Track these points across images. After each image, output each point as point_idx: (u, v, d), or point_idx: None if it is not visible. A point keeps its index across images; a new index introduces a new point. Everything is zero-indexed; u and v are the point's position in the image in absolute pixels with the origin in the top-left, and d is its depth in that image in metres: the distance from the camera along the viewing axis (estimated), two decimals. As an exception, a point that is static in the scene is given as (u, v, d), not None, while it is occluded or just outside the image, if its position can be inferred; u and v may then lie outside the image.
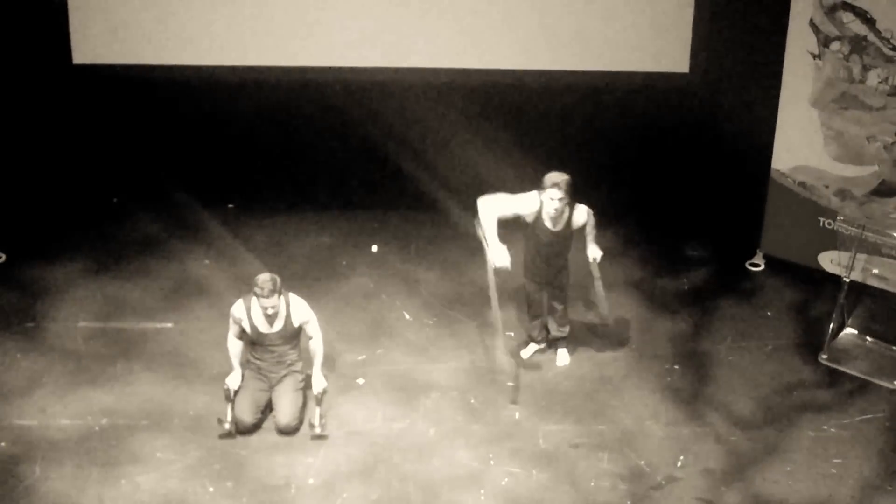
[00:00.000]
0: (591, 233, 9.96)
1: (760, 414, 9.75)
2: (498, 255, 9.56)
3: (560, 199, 9.50)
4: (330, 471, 9.16)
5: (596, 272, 10.11)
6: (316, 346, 9.57)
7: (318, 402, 9.47)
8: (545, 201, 9.56)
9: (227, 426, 9.36)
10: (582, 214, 9.79)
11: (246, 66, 11.95)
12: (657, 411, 9.72)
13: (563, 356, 10.24)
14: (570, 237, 9.83)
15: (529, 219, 9.70)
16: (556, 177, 9.52)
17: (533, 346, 10.29)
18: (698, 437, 9.52)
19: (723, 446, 9.43)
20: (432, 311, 10.81)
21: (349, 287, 11.11)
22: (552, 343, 10.29)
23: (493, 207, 9.61)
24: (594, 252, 10.03)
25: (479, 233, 9.76)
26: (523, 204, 9.65)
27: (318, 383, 9.51)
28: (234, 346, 9.57)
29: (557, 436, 9.51)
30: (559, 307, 10.11)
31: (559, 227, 9.70)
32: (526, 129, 12.27)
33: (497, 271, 9.72)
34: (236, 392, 9.50)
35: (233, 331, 9.53)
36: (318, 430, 9.40)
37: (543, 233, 9.73)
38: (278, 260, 11.29)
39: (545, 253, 9.83)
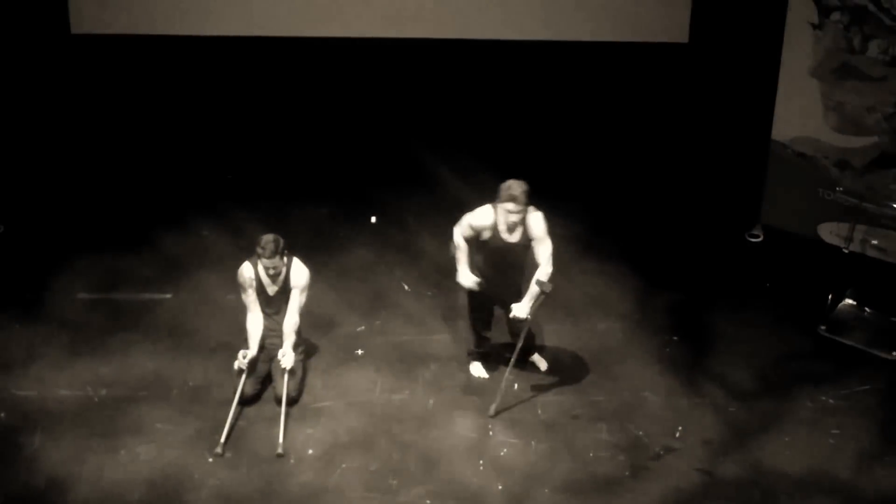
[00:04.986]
0: (542, 248, 9.24)
1: (759, 385, 9.76)
2: (463, 275, 9.39)
3: (517, 213, 9.05)
4: (329, 441, 9.17)
5: (535, 297, 9.29)
6: (290, 320, 9.35)
7: (292, 375, 9.38)
8: (501, 213, 9.11)
9: (218, 450, 9.07)
10: (538, 222, 9.19)
11: (245, 36, 11.92)
12: (656, 382, 9.73)
13: (540, 362, 9.85)
14: (526, 247, 9.24)
15: (486, 234, 9.22)
16: (514, 188, 9.03)
17: (479, 366, 9.82)
18: (697, 407, 9.53)
19: (721, 417, 9.44)
20: (431, 282, 10.81)
21: (348, 258, 11.10)
22: (524, 355, 9.65)
23: (458, 231, 9.29)
24: (544, 274, 9.24)
25: (453, 254, 9.47)
26: (478, 219, 9.21)
27: (287, 360, 9.32)
28: (255, 323, 9.37)
29: (556, 407, 9.52)
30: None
31: (515, 237, 9.21)
32: (523, 99, 12.26)
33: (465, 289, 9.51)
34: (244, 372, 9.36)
35: (248, 299, 9.37)
36: (283, 404, 9.27)
37: (498, 244, 9.24)
38: (277, 230, 11.19)
39: (500, 264, 9.34)
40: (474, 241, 9.33)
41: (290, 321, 9.41)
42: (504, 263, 9.36)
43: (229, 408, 9.28)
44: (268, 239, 9.24)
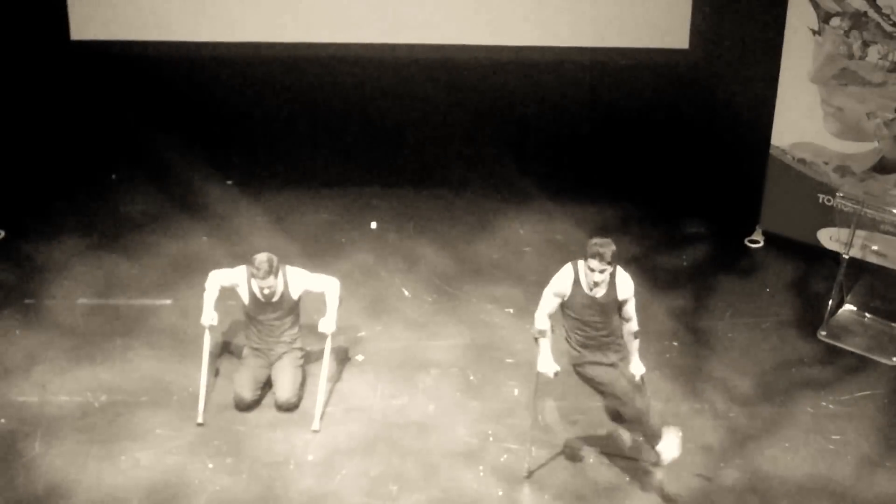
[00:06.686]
0: (632, 337, 8.85)
1: (759, 390, 9.76)
2: (544, 362, 8.82)
3: (602, 272, 8.52)
4: (329, 447, 9.17)
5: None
6: (329, 296, 9.44)
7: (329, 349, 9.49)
8: (584, 272, 8.62)
9: (199, 419, 9.31)
10: (627, 283, 8.74)
11: (244, 42, 11.92)
12: (656, 388, 9.70)
13: (670, 447, 8.82)
14: (613, 307, 8.75)
15: (568, 293, 8.69)
16: (601, 245, 8.55)
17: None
18: (697, 413, 9.53)
19: (721, 423, 9.44)
20: (431, 287, 10.81)
21: (348, 264, 11.10)
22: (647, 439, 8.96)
23: (542, 310, 8.75)
24: (637, 368, 8.92)
25: (534, 336, 8.90)
26: (559, 283, 8.70)
27: (329, 326, 9.41)
28: (213, 291, 9.46)
29: (556, 412, 9.51)
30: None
31: (600, 293, 8.68)
32: (524, 105, 12.25)
33: (542, 376, 8.99)
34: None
35: (223, 279, 9.48)
36: (322, 376, 9.41)
37: (582, 300, 8.69)
38: (277, 236, 11.28)
39: (589, 322, 8.74)
40: (559, 310, 8.80)
41: (328, 296, 9.47)
42: (593, 320, 8.75)
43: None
44: (261, 260, 9.26)
